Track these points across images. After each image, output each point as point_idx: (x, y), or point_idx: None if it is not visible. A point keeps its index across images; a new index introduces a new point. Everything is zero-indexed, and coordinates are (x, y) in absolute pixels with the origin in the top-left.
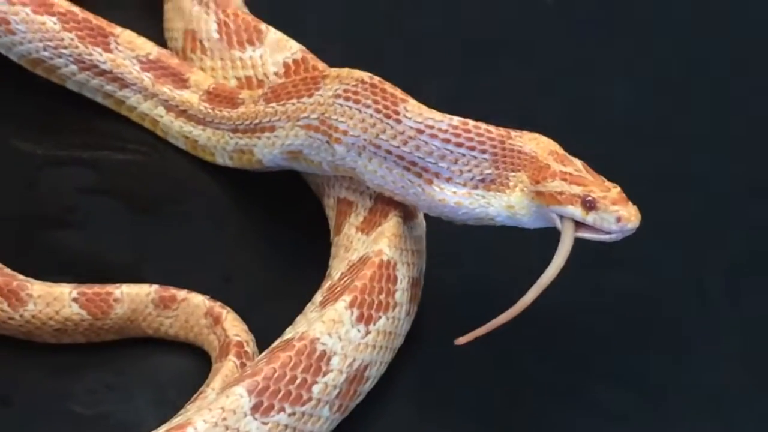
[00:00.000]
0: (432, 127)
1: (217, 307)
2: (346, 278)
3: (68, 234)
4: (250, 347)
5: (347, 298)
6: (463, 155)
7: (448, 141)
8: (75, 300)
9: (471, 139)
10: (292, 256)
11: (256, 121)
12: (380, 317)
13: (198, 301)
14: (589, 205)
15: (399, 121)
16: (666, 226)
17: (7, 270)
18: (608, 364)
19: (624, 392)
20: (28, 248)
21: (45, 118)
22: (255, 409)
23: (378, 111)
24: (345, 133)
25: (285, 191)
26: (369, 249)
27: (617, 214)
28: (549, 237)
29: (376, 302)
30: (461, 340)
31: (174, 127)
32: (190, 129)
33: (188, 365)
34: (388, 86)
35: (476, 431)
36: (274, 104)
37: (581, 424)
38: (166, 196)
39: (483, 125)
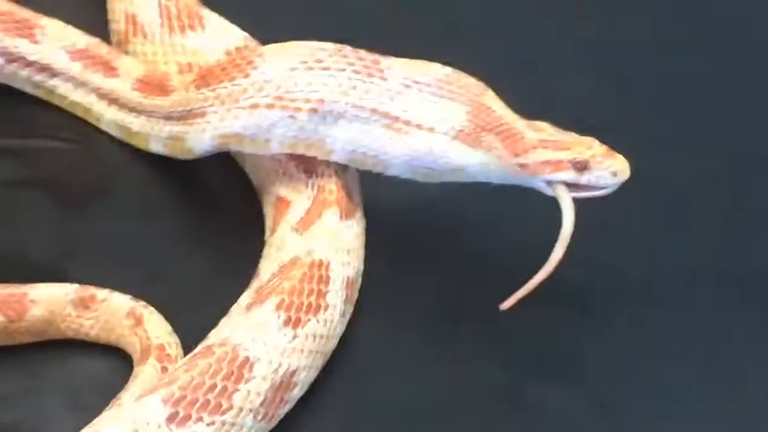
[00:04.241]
0: (418, 82)
1: (140, 307)
2: (274, 279)
3: None
4: (173, 350)
5: (274, 300)
6: (445, 106)
7: (433, 93)
8: None
9: (452, 91)
10: (225, 254)
11: (188, 108)
12: (309, 320)
13: (119, 300)
14: (581, 166)
15: (384, 79)
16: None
17: None
18: (543, 361)
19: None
20: None
21: None
22: (170, 419)
23: (357, 72)
24: (321, 101)
25: (223, 186)
26: (300, 249)
27: (612, 169)
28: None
29: (305, 304)
30: (506, 305)
31: (107, 114)
32: (123, 116)
33: (109, 368)
34: (357, 50)
35: None
36: (204, 90)
37: (527, 426)
38: (96, 188)
39: (464, 77)
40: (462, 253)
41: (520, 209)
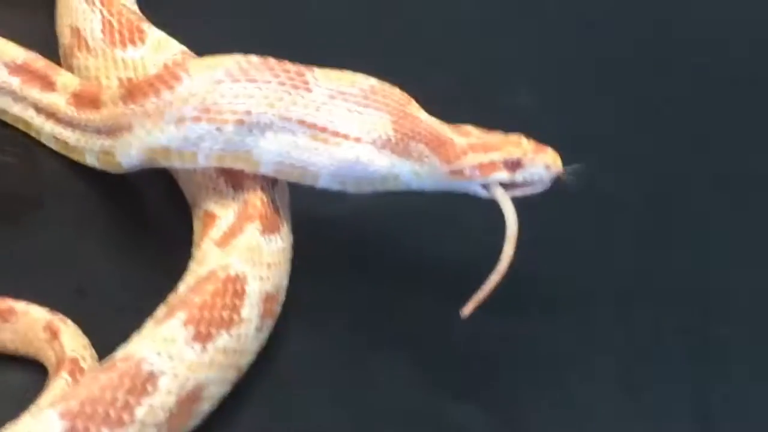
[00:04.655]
0: (344, 93)
1: (57, 320)
2: (187, 293)
3: None
4: (87, 363)
5: (183, 314)
6: (370, 116)
7: (358, 104)
8: None
9: (377, 101)
10: (155, 269)
11: (116, 122)
12: (221, 335)
13: (37, 313)
14: (513, 165)
15: (309, 90)
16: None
17: None
18: (461, 382)
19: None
20: None
21: None
22: None
23: (282, 84)
24: (247, 113)
25: (159, 202)
26: (217, 263)
27: (544, 163)
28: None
29: (217, 318)
30: (465, 311)
31: (45, 128)
32: (60, 131)
33: (26, 382)
34: (283, 62)
35: None
36: (131, 104)
37: None
38: (31, 200)
39: (388, 88)
40: (395, 269)
41: (452, 223)
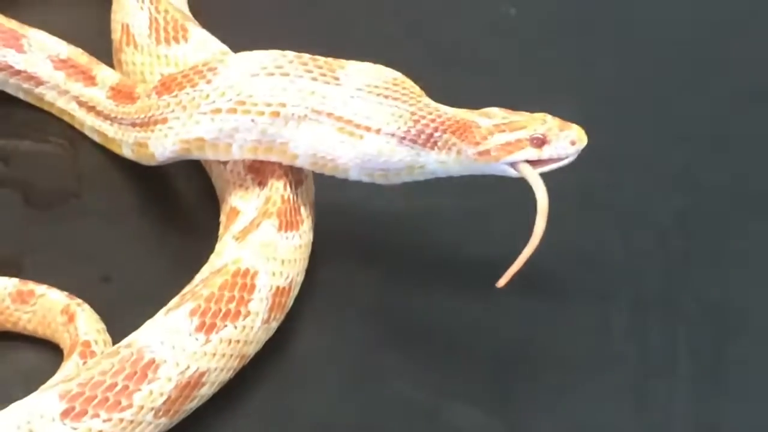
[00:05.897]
0: (369, 86)
1: (74, 304)
2: (198, 285)
3: None
4: (100, 347)
5: (190, 305)
6: (391, 107)
7: (380, 95)
8: None
9: (397, 92)
10: (180, 261)
11: (150, 114)
12: (226, 326)
13: (56, 297)
14: (539, 142)
15: (340, 84)
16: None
17: None
18: (469, 385)
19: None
20: None
21: None
22: (65, 414)
23: (315, 79)
24: (282, 105)
25: (191, 195)
26: (231, 257)
27: (569, 139)
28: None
29: (223, 311)
30: (501, 282)
31: (87, 121)
32: (100, 123)
33: (42, 362)
34: (316, 57)
35: None
36: (165, 96)
37: None
38: (69, 190)
39: (409, 82)
40: (412, 267)
41: (473, 225)
